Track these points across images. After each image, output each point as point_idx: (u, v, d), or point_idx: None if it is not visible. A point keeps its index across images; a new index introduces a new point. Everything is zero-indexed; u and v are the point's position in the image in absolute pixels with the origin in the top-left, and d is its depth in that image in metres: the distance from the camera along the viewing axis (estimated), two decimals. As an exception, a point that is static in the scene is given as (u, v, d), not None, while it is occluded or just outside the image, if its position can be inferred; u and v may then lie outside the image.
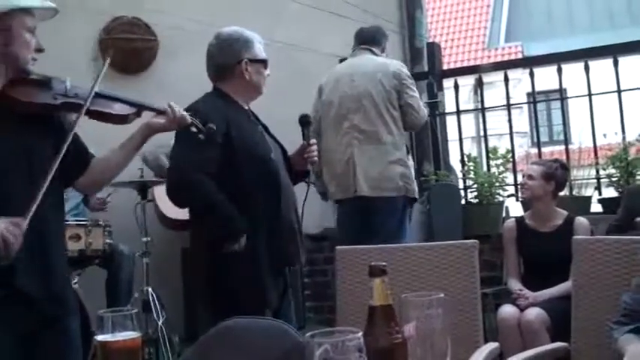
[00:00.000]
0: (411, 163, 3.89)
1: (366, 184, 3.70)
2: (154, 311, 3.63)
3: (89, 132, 2.09)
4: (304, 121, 2.75)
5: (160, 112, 2.13)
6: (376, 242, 3.03)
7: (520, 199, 3.66)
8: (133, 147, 2.12)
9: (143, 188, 3.79)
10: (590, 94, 4.50)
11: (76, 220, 3.70)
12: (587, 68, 4.46)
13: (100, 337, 1.34)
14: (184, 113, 2.18)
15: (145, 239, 3.76)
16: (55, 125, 2.02)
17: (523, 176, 3.68)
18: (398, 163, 3.75)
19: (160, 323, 3.63)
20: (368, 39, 4.00)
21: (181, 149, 2.48)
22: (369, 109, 3.76)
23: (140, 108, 2.12)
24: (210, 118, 2.35)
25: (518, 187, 3.66)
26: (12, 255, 1.75)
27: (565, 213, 3.59)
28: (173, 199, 2.55)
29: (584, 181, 4.40)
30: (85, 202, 4.07)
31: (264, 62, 2.70)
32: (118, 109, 2.08)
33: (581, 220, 3.53)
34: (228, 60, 2.65)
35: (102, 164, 2.13)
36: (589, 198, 4.34)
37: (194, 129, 2.24)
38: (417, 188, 3.85)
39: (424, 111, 3.94)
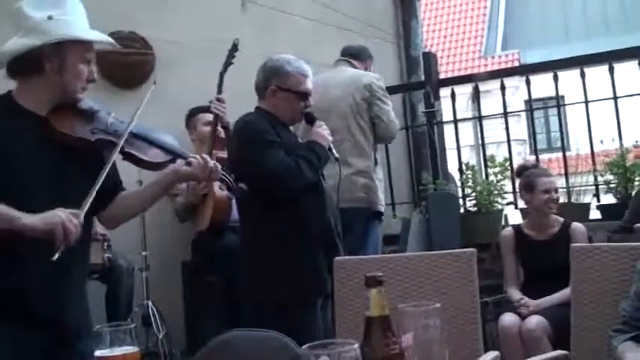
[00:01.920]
0: (379, 176, 3.89)
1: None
2: (154, 325, 3.63)
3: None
4: (309, 119, 2.95)
5: (188, 163, 2.08)
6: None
7: (554, 211, 3.61)
8: (158, 190, 2.13)
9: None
10: (586, 101, 4.51)
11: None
12: (583, 75, 4.48)
13: (98, 353, 1.34)
14: (217, 168, 2.11)
15: (144, 253, 3.76)
16: (92, 155, 2.00)
17: (547, 191, 3.56)
18: (361, 174, 3.76)
19: (160, 337, 3.62)
20: (352, 52, 4.07)
21: (259, 154, 2.70)
22: (337, 119, 3.76)
23: (175, 156, 2.10)
24: (264, 128, 2.72)
25: (545, 201, 3.58)
26: (70, 245, 1.77)
27: (561, 220, 3.59)
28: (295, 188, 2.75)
29: (583, 188, 4.40)
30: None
31: (297, 94, 2.84)
32: (153, 155, 2.06)
33: (577, 226, 3.54)
34: (259, 82, 2.89)
35: (125, 201, 2.13)
36: (588, 205, 4.35)
37: (224, 186, 2.25)
38: (381, 202, 3.85)
39: (395, 124, 3.95)
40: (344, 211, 3.68)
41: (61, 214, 1.77)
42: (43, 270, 1.84)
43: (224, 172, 2.19)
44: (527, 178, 3.67)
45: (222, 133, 3.76)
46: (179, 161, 2.10)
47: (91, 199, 1.85)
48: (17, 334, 1.82)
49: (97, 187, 1.88)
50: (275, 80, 2.85)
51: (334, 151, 2.94)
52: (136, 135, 2.04)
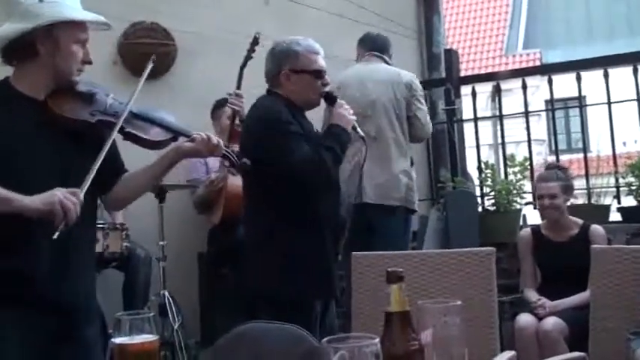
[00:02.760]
0: (414, 175, 3.89)
1: (372, 191, 3.68)
2: (170, 315, 3.64)
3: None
4: (329, 99, 2.79)
5: (192, 140, 2.08)
6: (379, 250, 3.00)
7: (552, 217, 3.58)
8: (160, 169, 2.12)
9: (161, 191, 3.81)
10: (609, 102, 4.46)
11: (94, 223, 3.72)
12: (606, 76, 4.43)
13: (117, 340, 1.34)
14: (220, 144, 2.11)
15: (161, 243, 3.77)
16: (94, 138, 2.00)
17: (540, 197, 3.56)
18: (403, 173, 3.75)
19: (175, 327, 3.64)
20: (380, 47, 4.00)
21: (284, 147, 2.57)
22: (380, 117, 3.73)
23: (177, 134, 2.10)
24: (286, 118, 2.59)
25: (540, 207, 3.57)
26: (70, 223, 1.76)
27: (580, 222, 3.56)
28: (323, 180, 2.64)
29: (603, 190, 4.36)
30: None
31: (311, 73, 2.70)
32: (154, 134, 2.06)
33: (596, 228, 3.50)
34: (271, 70, 2.75)
35: (128, 182, 2.13)
36: (608, 207, 4.30)
37: (227, 162, 2.25)
38: (416, 201, 3.87)
39: (430, 125, 3.96)
40: (386, 208, 3.69)
41: (58, 193, 1.77)
42: (50, 251, 1.84)
43: (227, 149, 2.17)
44: (536, 180, 3.70)
45: (240, 128, 3.77)
46: (181, 139, 2.10)
47: (91, 177, 1.85)
48: (23, 318, 1.83)
49: (97, 165, 1.88)
50: (287, 64, 2.71)
51: (359, 129, 2.78)
52: (136, 114, 2.04)
